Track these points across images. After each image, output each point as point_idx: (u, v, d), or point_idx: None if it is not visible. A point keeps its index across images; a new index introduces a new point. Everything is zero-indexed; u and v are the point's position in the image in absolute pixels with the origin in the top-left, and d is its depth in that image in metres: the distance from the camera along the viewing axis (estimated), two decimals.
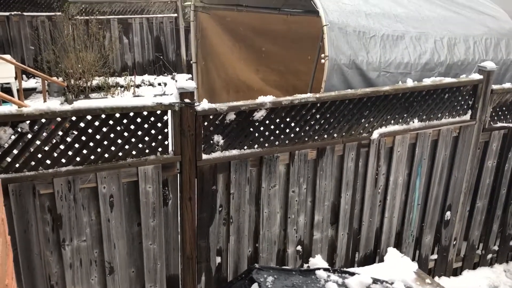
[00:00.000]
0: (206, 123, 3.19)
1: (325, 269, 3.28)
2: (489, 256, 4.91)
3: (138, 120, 2.99)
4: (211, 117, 3.18)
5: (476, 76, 4.07)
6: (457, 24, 4.50)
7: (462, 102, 4.13)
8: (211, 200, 3.39)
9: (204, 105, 3.12)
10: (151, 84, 11.39)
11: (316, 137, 3.60)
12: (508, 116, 4.43)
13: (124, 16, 11.80)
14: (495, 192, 4.65)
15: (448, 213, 4.46)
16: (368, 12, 4.17)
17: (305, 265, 3.78)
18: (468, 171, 4.37)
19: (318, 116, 3.55)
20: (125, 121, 2.95)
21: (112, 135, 2.95)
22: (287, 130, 3.49)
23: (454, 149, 4.26)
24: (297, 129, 3.52)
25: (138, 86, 11.14)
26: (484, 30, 4.54)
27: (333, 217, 3.91)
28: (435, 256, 4.58)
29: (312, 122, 3.54)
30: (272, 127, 3.43)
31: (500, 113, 4.37)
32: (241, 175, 3.42)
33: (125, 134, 2.98)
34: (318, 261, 3.58)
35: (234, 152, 3.35)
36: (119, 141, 2.98)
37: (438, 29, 4.35)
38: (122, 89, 10.87)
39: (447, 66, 4.21)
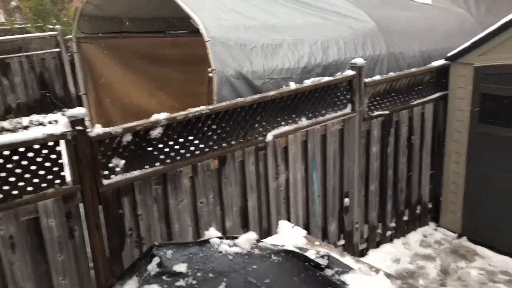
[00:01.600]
0: (102, 148, 3.18)
1: (219, 237, 3.39)
2: (388, 233, 5.40)
3: (30, 154, 2.91)
4: (107, 141, 3.19)
5: (350, 73, 4.52)
6: (327, 28, 4.95)
7: (342, 97, 4.55)
8: (119, 224, 3.37)
9: (97, 130, 3.12)
10: (41, 124, 10.81)
11: (216, 147, 3.75)
12: (383, 105, 4.95)
13: (0, 57, 11.10)
14: (383, 174, 5.15)
15: (346, 200, 4.84)
16: (247, 25, 4.45)
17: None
18: (357, 158, 4.80)
19: (214, 126, 3.70)
20: (15, 157, 2.85)
21: (2, 174, 2.83)
22: (187, 144, 3.59)
23: (342, 140, 4.66)
24: (196, 141, 3.64)
25: (26, 127, 10.51)
26: (351, 31, 5.05)
27: (243, 221, 4.07)
28: (342, 242, 4.94)
29: (209, 133, 3.69)
30: (171, 143, 3.52)
31: (375, 102, 4.88)
32: (146, 195, 3.45)
33: (18, 170, 2.88)
34: (212, 232, 3.68)
35: (136, 173, 3.37)
36: (12, 179, 2.87)
37: (311, 35, 4.75)
38: (9, 132, 10.18)
39: (323, 67, 4.61)
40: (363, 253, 5.20)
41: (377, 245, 5.33)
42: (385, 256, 5.16)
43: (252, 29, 4.44)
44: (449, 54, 5.19)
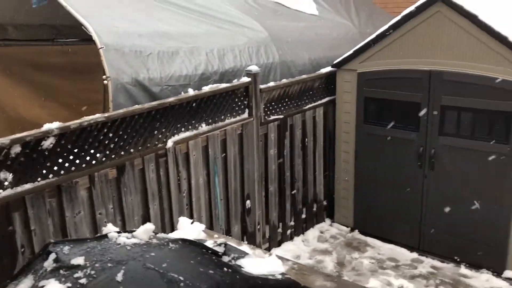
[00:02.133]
0: None
1: (117, 232, 3.34)
2: (289, 231, 5.67)
3: None
4: None
5: (246, 79, 4.70)
6: (223, 37, 5.10)
7: (239, 103, 4.72)
8: (10, 242, 3.15)
9: None
10: None
11: (113, 156, 3.67)
12: (278, 109, 5.21)
13: None
14: (282, 175, 5.41)
15: (248, 202, 5.00)
16: (141, 33, 4.42)
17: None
18: (257, 161, 4.99)
19: (111, 135, 3.62)
20: None
21: None
22: (82, 154, 3.47)
23: (241, 144, 4.82)
24: (92, 150, 3.53)
25: None
26: (245, 40, 5.25)
27: None
28: (245, 243, 5.07)
29: (106, 142, 3.60)
30: (65, 153, 3.38)
31: (271, 107, 5.12)
32: (39, 209, 3.27)
33: None
34: (110, 227, 3.61)
35: (27, 186, 3.18)
36: None
37: (207, 43, 4.86)
38: None
39: (220, 74, 4.74)
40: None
41: (279, 244, 5.56)
42: (286, 253, 5.39)
43: (146, 36, 4.43)
44: (335, 62, 5.63)
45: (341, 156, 5.90)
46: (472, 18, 4.54)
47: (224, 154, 4.64)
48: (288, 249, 5.52)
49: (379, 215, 5.67)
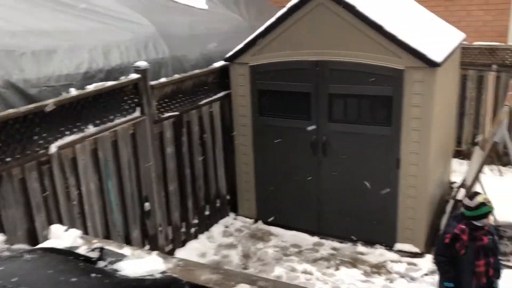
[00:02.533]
0: None
1: None
2: (193, 230, 5.57)
3: None
4: None
5: (134, 76, 4.50)
6: (107, 33, 4.83)
7: (129, 101, 4.51)
8: None
9: None
10: None
11: None
12: (172, 106, 5.08)
13: None
14: (181, 174, 5.29)
15: (147, 204, 4.81)
16: (12, 31, 4.03)
17: None
18: (153, 161, 4.82)
19: None
20: None
21: None
22: None
23: (135, 144, 4.61)
24: None
25: None
26: (132, 36, 5.03)
27: (33, 242, 3.67)
28: (147, 247, 4.88)
29: None
30: None
31: (164, 104, 4.97)
32: None
33: None
34: None
35: None
36: None
37: (90, 40, 4.57)
38: None
39: (106, 72, 4.49)
40: (170, 255, 5.24)
41: (183, 243, 5.45)
42: (192, 252, 5.30)
43: (19, 34, 4.04)
44: (227, 56, 5.62)
45: (240, 149, 5.92)
46: (350, 9, 4.78)
47: (116, 156, 4.40)
48: (193, 247, 5.43)
49: (280, 204, 5.80)
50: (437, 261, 3.74)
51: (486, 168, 6.33)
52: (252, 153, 5.82)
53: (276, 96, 5.48)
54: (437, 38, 5.49)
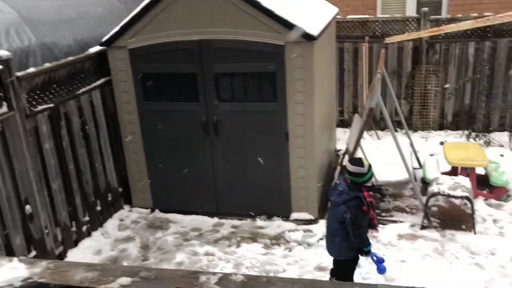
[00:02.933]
0: None
1: None
2: (84, 228, 5.24)
3: None
4: None
5: None
6: None
7: None
8: None
9: None
10: None
11: None
12: (46, 98, 4.65)
13: None
14: (64, 170, 4.90)
15: (28, 207, 4.40)
16: None
17: None
18: (29, 160, 4.39)
19: None
20: None
21: None
22: None
23: (5, 143, 4.16)
24: None
25: None
26: None
27: None
28: (33, 253, 4.49)
29: None
30: None
31: (36, 97, 4.53)
32: None
33: None
34: None
35: None
36: None
37: None
38: None
39: None
40: (61, 257, 4.88)
41: (76, 243, 5.10)
42: (86, 251, 5.00)
43: None
44: (103, 40, 5.28)
45: (128, 138, 5.66)
46: None
47: None
48: (87, 246, 5.12)
49: (176, 190, 5.68)
50: (361, 233, 3.81)
51: (365, 134, 6.80)
52: (142, 141, 5.60)
53: (161, 79, 5.30)
54: (313, 13, 5.69)
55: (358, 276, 4.28)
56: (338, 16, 7.13)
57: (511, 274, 4.28)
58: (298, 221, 5.35)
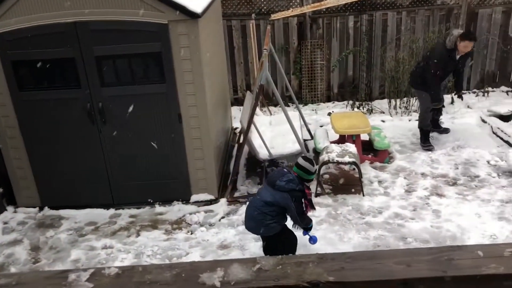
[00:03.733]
0: None
1: None
2: None
3: None
4: None
5: None
6: None
7: None
8: None
9: None
10: None
11: None
12: None
13: None
14: None
15: None
16: None
17: None
18: None
19: None
20: None
21: None
22: None
23: None
24: None
25: None
26: None
27: None
28: None
29: None
30: None
31: None
32: None
33: None
34: None
35: None
36: None
37: None
38: None
39: None
40: None
41: None
42: None
43: None
44: None
45: (5, 133, 5.14)
46: None
47: None
48: None
49: (66, 184, 5.32)
50: (304, 217, 4.04)
51: (258, 110, 6.92)
52: (21, 135, 5.12)
53: (36, 66, 4.84)
54: None
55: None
56: None
57: (397, 229, 4.67)
58: (199, 203, 5.31)
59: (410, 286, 1.00)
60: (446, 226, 4.64)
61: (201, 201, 5.31)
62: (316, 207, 5.06)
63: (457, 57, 6.01)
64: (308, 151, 6.46)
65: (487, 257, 1.03)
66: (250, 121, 5.21)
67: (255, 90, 5.60)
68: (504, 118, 6.87)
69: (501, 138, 6.31)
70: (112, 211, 5.33)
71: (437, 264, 1.02)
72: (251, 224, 4.04)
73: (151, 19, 4.62)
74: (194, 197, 5.33)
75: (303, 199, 3.99)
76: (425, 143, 6.29)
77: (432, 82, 6.04)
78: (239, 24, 7.95)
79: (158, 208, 5.32)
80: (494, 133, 6.50)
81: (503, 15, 7.78)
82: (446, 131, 6.66)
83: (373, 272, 1.01)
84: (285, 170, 4.06)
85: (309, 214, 4.14)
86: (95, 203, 5.37)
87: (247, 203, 4.31)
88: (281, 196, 3.86)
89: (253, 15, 7.61)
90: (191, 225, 4.97)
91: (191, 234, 4.83)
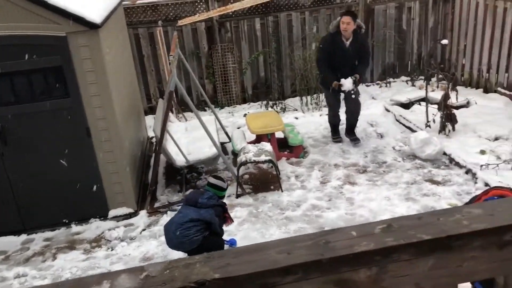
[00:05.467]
0: None
1: None
2: None
3: None
4: None
5: None
6: None
7: None
8: None
9: None
10: None
11: None
12: None
13: None
14: None
15: None
16: None
17: None
18: None
19: None
20: None
21: None
22: None
23: None
24: None
25: None
26: None
27: None
28: None
29: None
30: None
31: None
32: None
33: None
34: None
35: None
36: None
37: None
38: None
39: None
40: None
41: None
42: None
43: None
44: None
45: None
46: None
47: None
48: None
49: None
50: (221, 229, 4.23)
51: (173, 117, 6.87)
52: None
53: None
54: (95, 2, 5.40)
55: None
56: (125, 2, 6.93)
57: (315, 220, 4.86)
58: (118, 217, 5.15)
59: (292, 272, 1.05)
60: (359, 212, 4.91)
61: (120, 216, 5.16)
62: (238, 208, 5.16)
63: (346, 43, 5.95)
64: (226, 153, 6.52)
65: (359, 236, 1.11)
66: (163, 129, 5.15)
67: (166, 97, 5.55)
68: (405, 106, 7.39)
69: (404, 125, 6.78)
70: (23, 237, 5.02)
71: (315, 248, 1.09)
72: (175, 243, 4.13)
73: (48, 32, 4.42)
74: (112, 212, 5.16)
75: (225, 213, 4.28)
76: (334, 136, 6.55)
77: (319, 66, 6.29)
78: (147, 32, 7.82)
79: (75, 228, 5.09)
80: (397, 120, 6.96)
81: (396, 10, 8.37)
82: (355, 141, 6.27)
83: (257, 264, 1.05)
84: (201, 189, 4.37)
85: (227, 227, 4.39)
86: (4, 231, 5.02)
87: (164, 226, 4.27)
88: (205, 211, 4.07)
89: (159, 22, 7.53)
90: (110, 241, 4.81)
91: (112, 250, 4.68)
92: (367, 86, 8.46)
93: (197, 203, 4.10)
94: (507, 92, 7.20)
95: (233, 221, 4.47)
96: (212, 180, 4.34)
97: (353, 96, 6.10)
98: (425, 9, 8.44)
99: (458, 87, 6.51)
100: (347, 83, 5.98)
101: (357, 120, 6.38)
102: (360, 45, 6.03)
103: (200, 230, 4.02)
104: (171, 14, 7.92)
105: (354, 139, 6.32)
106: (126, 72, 6.03)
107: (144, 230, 4.95)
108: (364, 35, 6.45)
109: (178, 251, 4.35)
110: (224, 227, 4.31)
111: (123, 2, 6.89)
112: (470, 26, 7.86)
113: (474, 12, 7.71)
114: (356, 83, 6.02)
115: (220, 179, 4.38)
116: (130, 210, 5.21)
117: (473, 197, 3.16)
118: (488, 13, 7.43)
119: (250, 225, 4.85)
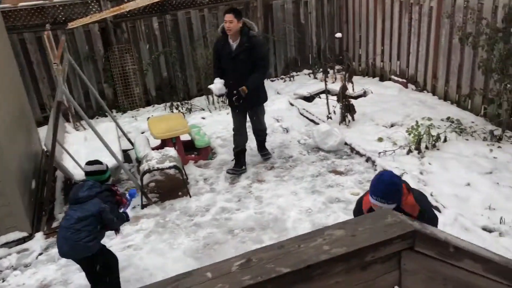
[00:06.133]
0: None
1: None
2: None
3: None
4: None
5: None
6: None
7: None
8: None
9: None
10: None
11: None
12: None
13: None
14: None
15: None
16: None
17: None
18: None
19: None
20: None
21: None
22: None
23: None
24: None
25: None
26: None
27: None
28: None
29: None
30: None
31: None
32: None
33: None
34: None
35: None
36: None
37: None
38: None
39: None
40: None
41: None
42: None
43: None
44: None
45: None
46: None
47: None
48: None
49: None
50: (118, 215, 3.84)
51: (69, 127, 6.42)
52: None
53: None
54: None
55: None
56: (4, 5, 6.31)
57: (224, 223, 4.77)
58: (10, 244, 4.68)
59: None
60: (268, 209, 4.90)
61: (12, 241, 4.69)
62: (143, 219, 4.93)
63: (233, 45, 5.22)
64: (131, 161, 6.22)
65: (214, 277, 1.01)
66: (54, 142, 4.76)
67: (54, 108, 5.13)
68: (307, 99, 7.54)
69: (307, 118, 6.91)
70: None
71: None
72: (65, 249, 3.66)
73: None
74: (2, 239, 4.68)
75: (116, 196, 3.88)
76: (236, 167, 5.72)
77: (213, 72, 5.71)
78: (34, 36, 7.22)
79: None
80: (301, 114, 7.08)
81: (294, 4, 8.50)
82: (265, 155, 5.93)
83: None
84: (80, 182, 3.88)
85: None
86: None
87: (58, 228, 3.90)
88: (91, 204, 3.64)
89: (47, 25, 6.96)
90: (2, 271, 4.36)
91: (3, 281, 4.24)
92: (272, 81, 8.54)
93: (78, 200, 3.65)
94: (400, 80, 7.62)
95: (127, 201, 4.02)
96: (87, 168, 3.89)
97: (254, 118, 5.62)
98: (321, 2, 8.67)
99: (356, 77, 6.78)
100: (216, 86, 5.39)
101: (265, 139, 5.91)
102: (252, 49, 5.16)
103: (92, 231, 3.61)
104: (60, 16, 7.37)
105: (265, 154, 5.94)
106: (7, 81, 5.49)
107: (40, 254, 4.55)
108: (259, 39, 5.55)
109: (80, 273, 4.04)
110: (122, 211, 3.93)
111: (1, 5, 6.27)
112: (363, 18, 8.20)
113: (365, 5, 8.06)
114: (240, 97, 5.24)
115: (96, 163, 3.91)
116: (24, 234, 4.76)
117: (361, 196, 3.22)
118: (378, 5, 7.80)
119: (157, 236, 4.64)
